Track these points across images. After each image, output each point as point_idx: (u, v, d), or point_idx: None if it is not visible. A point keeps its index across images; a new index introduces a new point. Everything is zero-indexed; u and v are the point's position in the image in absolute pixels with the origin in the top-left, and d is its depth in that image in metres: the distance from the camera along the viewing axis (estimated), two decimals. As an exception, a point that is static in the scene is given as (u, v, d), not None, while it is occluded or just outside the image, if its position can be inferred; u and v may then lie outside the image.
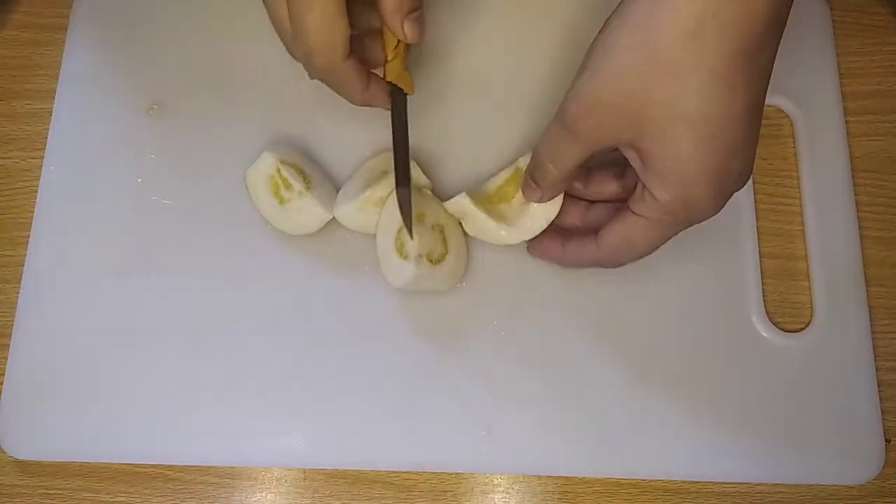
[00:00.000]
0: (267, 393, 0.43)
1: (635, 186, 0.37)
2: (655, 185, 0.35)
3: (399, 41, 0.40)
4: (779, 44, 0.33)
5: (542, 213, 0.42)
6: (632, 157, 0.36)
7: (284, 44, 0.40)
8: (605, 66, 0.34)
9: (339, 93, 0.41)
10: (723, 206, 0.36)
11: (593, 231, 0.40)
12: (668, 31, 0.32)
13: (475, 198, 0.43)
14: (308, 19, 0.36)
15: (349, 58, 0.38)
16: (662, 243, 0.39)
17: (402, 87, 0.42)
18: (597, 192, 0.42)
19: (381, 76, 0.42)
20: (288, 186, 0.44)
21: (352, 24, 0.37)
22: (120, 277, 0.45)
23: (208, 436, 0.43)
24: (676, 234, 0.38)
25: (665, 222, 0.37)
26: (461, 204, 0.43)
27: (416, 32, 0.39)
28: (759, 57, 0.33)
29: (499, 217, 0.43)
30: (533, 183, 0.41)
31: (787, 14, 0.33)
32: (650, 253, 0.39)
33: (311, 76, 0.40)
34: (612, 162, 0.40)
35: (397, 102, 0.42)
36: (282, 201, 0.44)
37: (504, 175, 0.44)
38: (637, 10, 0.33)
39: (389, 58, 0.41)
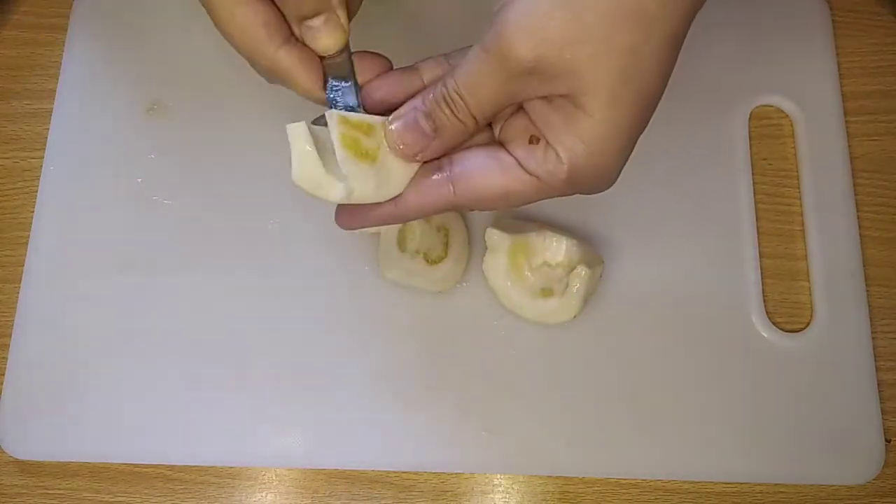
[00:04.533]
0: (267, 393, 0.43)
1: (529, 140, 0.32)
2: (572, 147, 0.30)
3: None
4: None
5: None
6: (544, 111, 0.31)
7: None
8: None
9: (296, 91, 0.35)
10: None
11: (435, 167, 0.33)
12: None
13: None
14: (216, 7, 0.32)
15: (285, 46, 0.33)
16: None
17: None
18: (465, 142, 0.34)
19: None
20: (369, 132, 0.33)
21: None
22: (120, 277, 0.45)
23: (208, 436, 0.43)
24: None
25: (558, 188, 0.31)
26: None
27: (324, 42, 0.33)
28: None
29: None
30: (431, 126, 0.32)
31: None
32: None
33: (267, 80, 0.35)
34: None
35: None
36: (366, 155, 0.33)
37: None
38: None
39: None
